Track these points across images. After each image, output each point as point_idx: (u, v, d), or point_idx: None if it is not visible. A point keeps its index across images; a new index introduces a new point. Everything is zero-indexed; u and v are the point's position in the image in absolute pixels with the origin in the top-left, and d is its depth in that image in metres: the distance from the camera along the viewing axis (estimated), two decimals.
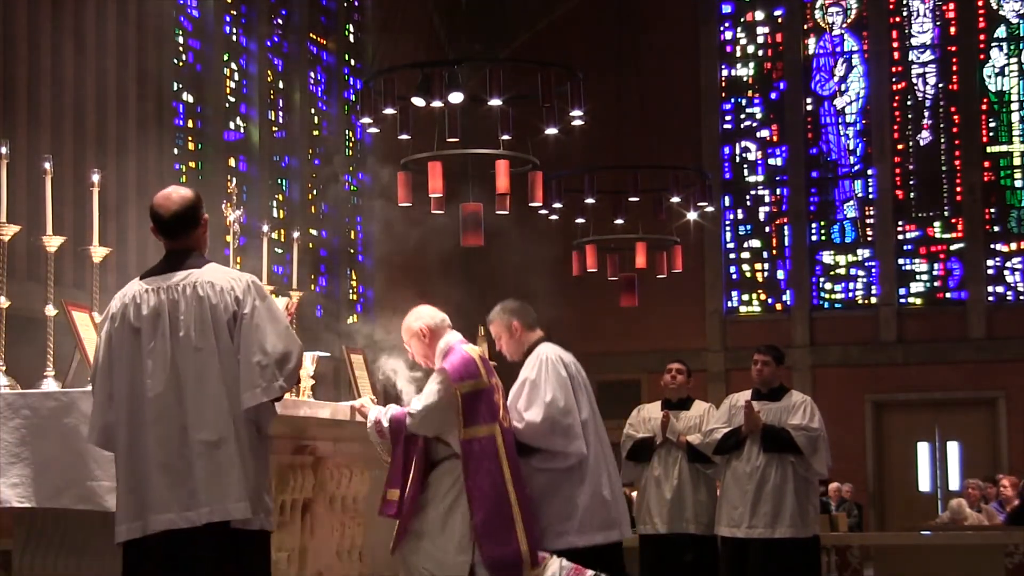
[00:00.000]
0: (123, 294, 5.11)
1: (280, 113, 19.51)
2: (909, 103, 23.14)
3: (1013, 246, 22.68)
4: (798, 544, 8.89)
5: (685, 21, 23.57)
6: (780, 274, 23.53)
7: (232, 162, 18.26)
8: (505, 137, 12.71)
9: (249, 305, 4.97)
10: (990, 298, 22.57)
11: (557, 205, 16.42)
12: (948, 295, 22.87)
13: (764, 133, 23.77)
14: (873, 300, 23.10)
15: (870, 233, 23.16)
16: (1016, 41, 22.97)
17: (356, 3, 21.78)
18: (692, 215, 17.03)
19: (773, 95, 23.74)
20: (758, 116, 23.80)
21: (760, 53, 23.90)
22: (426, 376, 6.89)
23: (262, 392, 4.92)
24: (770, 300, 23.54)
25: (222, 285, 4.99)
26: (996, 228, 22.73)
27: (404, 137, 12.55)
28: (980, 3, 23.02)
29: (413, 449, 6.67)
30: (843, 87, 23.52)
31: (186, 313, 4.97)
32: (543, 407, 6.97)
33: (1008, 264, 22.66)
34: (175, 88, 17.02)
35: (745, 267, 23.68)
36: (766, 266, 23.61)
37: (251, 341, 4.93)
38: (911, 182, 23.13)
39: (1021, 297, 22.60)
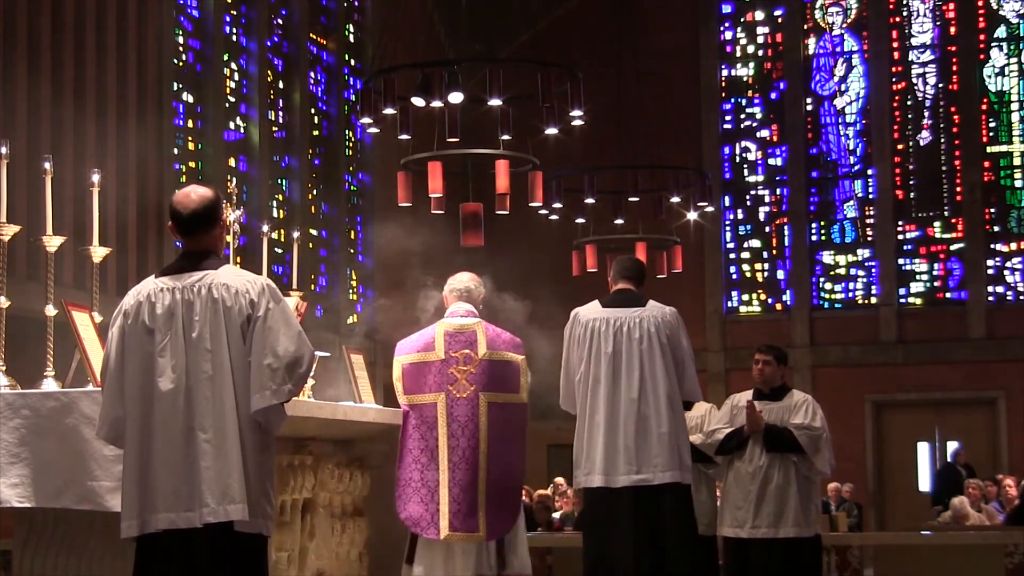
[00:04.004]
0: (137, 291, 5.11)
1: (280, 113, 19.51)
2: (909, 103, 23.14)
3: (1013, 246, 22.68)
4: (801, 544, 8.88)
5: (685, 21, 23.56)
6: (780, 274, 23.53)
7: (232, 162, 18.26)
8: (505, 137, 12.71)
9: (263, 308, 4.98)
10: (990, 298, 22.57)
11: (557, 205, 16.42)
12: (948, 295, 22.87)
13: (764, 133, 23.78)
14: (873, 300, 23.10)
15: (870, 233, 23.16)
16: (1016, 41, 22.97)
17: (356, 3, 21.78)
18: (692, 215, 17.04)
19: (773, 95, 23.74)
20: (758, 116, 23.80)
21: (760, 53, 23.90)
22: None
23: (272, 395, 4.92)
24: (770, 300, 23.54)
25: (237, 287, 5.00)
26: (996, 228, 22.73)
27: (404, 137, 12.55)
28: (980, 3, 23.02)
29: None
30: (843, 87, 23.52)
31: (200, 314, 4.97)
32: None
33: (1008, 264, 22.66)
34: (175, 88, 17.02)
35: (745, 267, 23.68)
36: (766, 266, 23.61)
37: (263, 344, 4.94)
38: (911, 182, 23.12)
39: (1021, 297, 22.60)
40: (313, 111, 20.26)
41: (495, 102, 12.35)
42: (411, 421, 7.05)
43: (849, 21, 23.58)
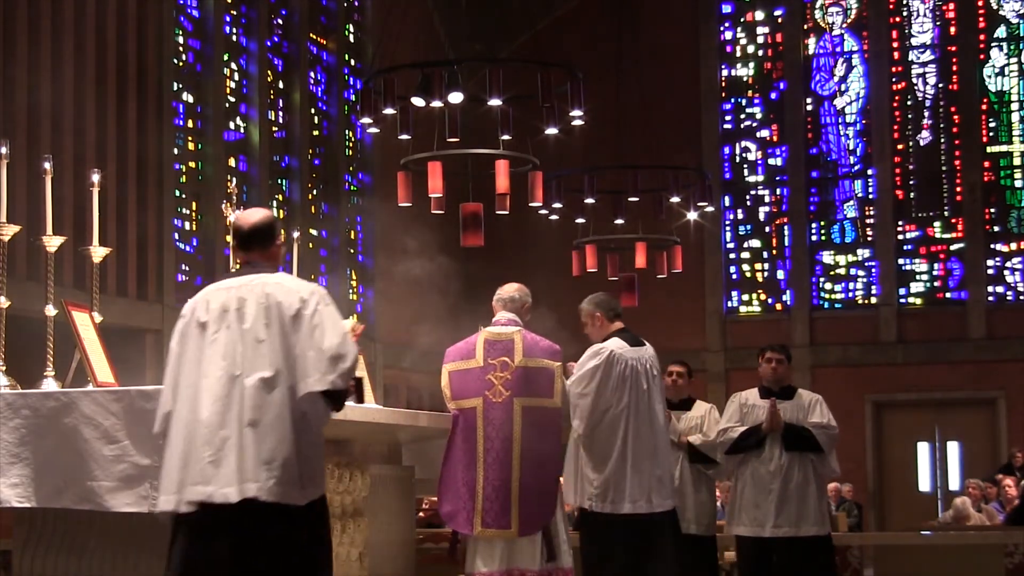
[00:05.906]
0: (196, 297, 5.36)
1: (280, 113, 19.51)
2: (909, 103, 23.14)
3: (1013, 246, 22.68)
4: (820, 542, 8.91)
5: (685, 21, 23.57)
6: (780, 274, 23.53)
7: (232, 162, 18.26)
8: (505, 137, 12.70)
9: (312, 306, 5.17)
10: (990, 298, 22.57)
11: (557, 205, 16.42)
12: (948, 295, 22.87)
13: (764, 133, 23.78)
14: (873, 300, 23.10)
15: (870, 233, 23.17)
16: (1016, 41, 22.97)
17: (356, 3, 21.78)
18: (692, 215, 17.03)
19: (773, 95, 23.74)
20: (758, 116, 23.80)
21: (760, 53, 23.90)
22: None
23: (315, 382, 5.05)
24: (770, 300, 23.54)
25: (290, 287, 5.25)
26: (996, 228, 22.73)
27: (404, 137, 12.54)
28: (980, 3, 23.02)
29: None
30: (843, 87, 23.52)
31: (254, 307, 5.17)
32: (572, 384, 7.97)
33: (1008, 264, 22.66)
34: (175, 88, 17.02)
35: (745, 267, 23.68)
36: (766, 266, 23.61)
37: (310, 337, 5.10)
38: (911, 182, 23.13)
39: (1021, 297, 22.60)
40: (313, 111, 20.25)
41: (495, 102, 12.34)
42: (458, 424, 7.59)
43: (849, 21, 23.58)
